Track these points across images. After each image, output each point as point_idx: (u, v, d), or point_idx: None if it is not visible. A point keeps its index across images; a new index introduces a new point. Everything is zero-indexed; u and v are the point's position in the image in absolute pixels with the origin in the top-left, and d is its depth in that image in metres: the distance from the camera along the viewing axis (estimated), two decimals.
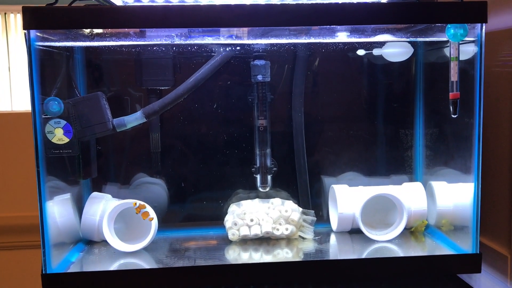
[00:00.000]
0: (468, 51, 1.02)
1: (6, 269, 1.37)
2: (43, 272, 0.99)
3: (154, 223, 1.10)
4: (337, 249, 1.14)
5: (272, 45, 1.19)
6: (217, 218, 1.22)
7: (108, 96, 1.14)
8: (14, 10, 4.13)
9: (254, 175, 1.22)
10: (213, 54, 1.16)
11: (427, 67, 1.24)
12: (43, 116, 1.01)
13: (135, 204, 1.10)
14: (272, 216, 1.15)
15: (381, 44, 1.21)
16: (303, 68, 1.22)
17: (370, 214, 1.20)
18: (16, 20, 4.15)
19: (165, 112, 1.14)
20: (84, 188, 1.22)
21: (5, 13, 4.13)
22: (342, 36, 1.13)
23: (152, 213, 1.11)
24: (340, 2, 1.02)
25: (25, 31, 0.94)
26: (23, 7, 0.92)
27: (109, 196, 1.18)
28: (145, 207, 1.10)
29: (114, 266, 1.04)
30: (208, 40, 1.12)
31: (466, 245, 1.06)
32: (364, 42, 1.20)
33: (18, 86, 4.16)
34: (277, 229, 1.14)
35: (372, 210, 1.20)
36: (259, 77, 1.17)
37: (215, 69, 1.14)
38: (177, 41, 1.12)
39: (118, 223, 1.14)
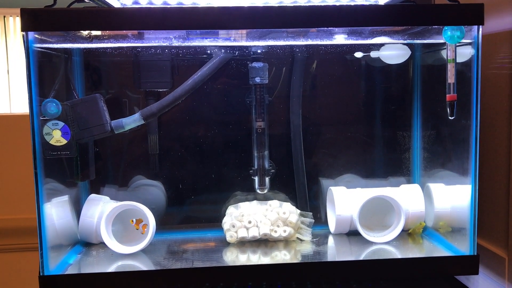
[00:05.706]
0: (465, 53, 1.03)
1: (3, 271, 1.36)
2: (41, 274, 0.99)
3: (152, 225, 1.10)
4: (335, 251, 1.14)
5: (270, 47, 1.19)
6: (215, 220, 1.22)
7: (106, 98, 1.14)
8: (13, 13, 4.14)
9: (252, 177, 1.22)
10: (211, 56, 1.16)
11: (425, 69, 1.25)
12: (41, 118, 1.01)
13: (132, 221, 1.11)
14: (270, 218, 1.15)
15: (378, 46, 1.21)
16: (301, 70, 1.22)
17: (368, 216, 1.20)
18: (15, 23, 4.15)
19: (163, 114, 1.14)
20: (82, 190, 1.22)
21: (4, 16, 4.13)
22: (340, 38, 1.13)
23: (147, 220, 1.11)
24: (337, 4, 1.03)
25: (23, 33, 0.94)
26: (21, 9, 0.92)
27: (107, 198, 1.18)
28: (142, 221, 1.11)
29: (112, 268, 1.04)
30: (206, 42, 1.13)
31: (464, 247, 1.06)
32: (362, 44, 1.20)
33: (17, 88, 4.17)
34: (275, 231, 1.14)
35: (370, 212, 1.20)
36: (257, 79, 1.17)
37: (213, 71, 1.15)
38: (175, 43, 1.12)
39: (116, 225, 1.14)
